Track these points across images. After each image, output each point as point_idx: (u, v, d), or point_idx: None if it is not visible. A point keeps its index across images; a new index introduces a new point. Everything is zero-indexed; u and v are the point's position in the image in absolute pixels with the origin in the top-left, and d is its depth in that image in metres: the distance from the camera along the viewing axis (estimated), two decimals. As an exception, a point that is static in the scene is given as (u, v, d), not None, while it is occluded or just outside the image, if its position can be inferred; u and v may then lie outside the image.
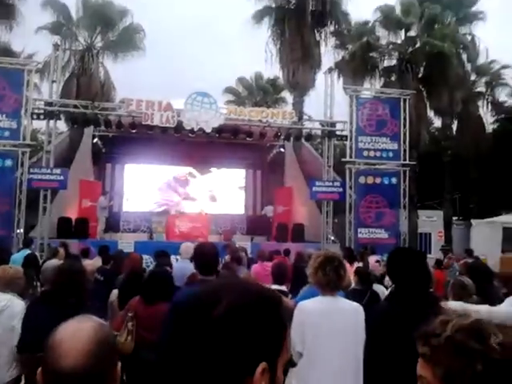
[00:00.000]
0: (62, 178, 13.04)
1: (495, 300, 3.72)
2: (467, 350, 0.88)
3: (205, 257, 3.23)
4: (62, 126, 17.34)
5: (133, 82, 25.78)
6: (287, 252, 10.96)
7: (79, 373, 1.16)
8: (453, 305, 3.63)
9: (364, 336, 2.91)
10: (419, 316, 1.25)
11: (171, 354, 0.83)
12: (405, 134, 15.31)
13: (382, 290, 5.92)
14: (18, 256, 8.08)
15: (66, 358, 1.16)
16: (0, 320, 3.70)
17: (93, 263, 6.88)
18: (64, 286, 2.94)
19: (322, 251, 3.30)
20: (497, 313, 3.42)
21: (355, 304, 3.14)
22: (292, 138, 15.36)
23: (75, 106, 14.02)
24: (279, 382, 0.85)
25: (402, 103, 15.46)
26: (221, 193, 19.83)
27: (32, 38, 19.48)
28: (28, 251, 8.46)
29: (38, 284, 5.41)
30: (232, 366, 0.80)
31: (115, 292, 5.22)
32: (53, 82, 14.18)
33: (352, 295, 4.75)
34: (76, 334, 1.21)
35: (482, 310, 3.46)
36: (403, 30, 21.11)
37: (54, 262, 3.99)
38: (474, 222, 20.55)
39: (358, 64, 20.39)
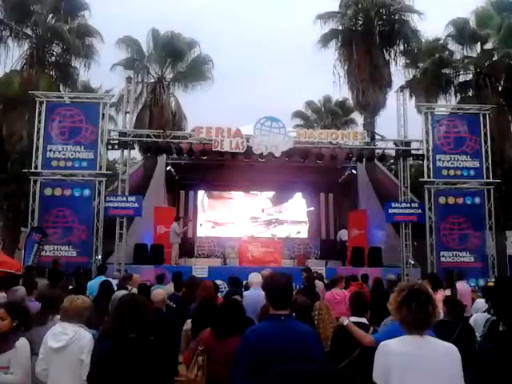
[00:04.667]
0: (136, 205, 13.36)
1: None
2: None
3: (277, 290, 2.95)
4: (137, 155, 18.00)
5: (202, 110, 26.37)
6: (365, 278, 10.42)
7: None
8: None
9: (461, 382, 2.47)
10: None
11: None
12: (486, 151, 14.40)
13: (481, 322, 5.38)
14: (94, 282, 8.32)
15: None
16: (68, 352, 3.62)
17: (165, 290, 6.79)
18: (123, 320, 2.79)
19: (405, 283, 2.84)
20: None
21: (449, 345, 2.62)
22: (364, 159, 14.86)
23: (148, 136, 14.48)
24: None
25: (481, 118, 14.61)
26: (293, 216, 19.55)
27: (108, 74, 20.53)
28: (103, 278, 8.61)
29: (110, 313, 5.36)
30: None
31: (189, 321, 5.07)
32: (126, 113, 14.72)
33: (440, 328, 4.22)
34: None
35: None
36: (479, 43, 20.06)
37: (122, 293, 3.87)
38: None
39: (431, 81, 19.55)
